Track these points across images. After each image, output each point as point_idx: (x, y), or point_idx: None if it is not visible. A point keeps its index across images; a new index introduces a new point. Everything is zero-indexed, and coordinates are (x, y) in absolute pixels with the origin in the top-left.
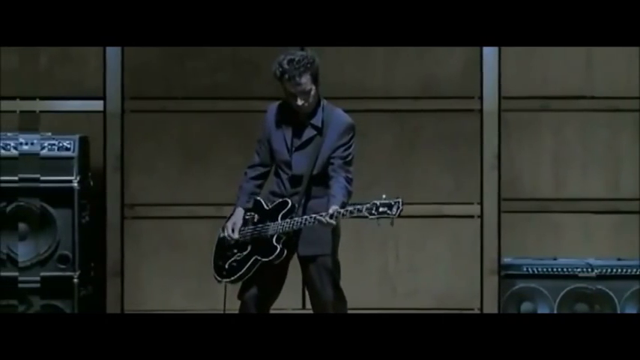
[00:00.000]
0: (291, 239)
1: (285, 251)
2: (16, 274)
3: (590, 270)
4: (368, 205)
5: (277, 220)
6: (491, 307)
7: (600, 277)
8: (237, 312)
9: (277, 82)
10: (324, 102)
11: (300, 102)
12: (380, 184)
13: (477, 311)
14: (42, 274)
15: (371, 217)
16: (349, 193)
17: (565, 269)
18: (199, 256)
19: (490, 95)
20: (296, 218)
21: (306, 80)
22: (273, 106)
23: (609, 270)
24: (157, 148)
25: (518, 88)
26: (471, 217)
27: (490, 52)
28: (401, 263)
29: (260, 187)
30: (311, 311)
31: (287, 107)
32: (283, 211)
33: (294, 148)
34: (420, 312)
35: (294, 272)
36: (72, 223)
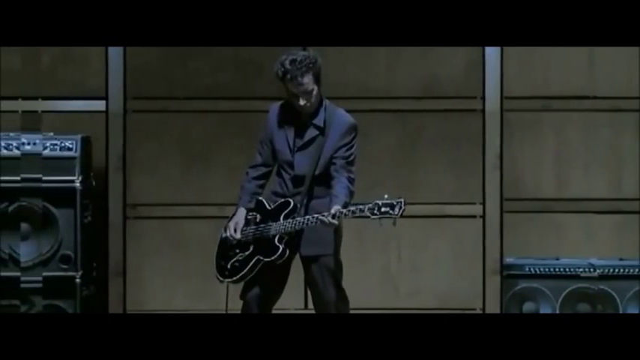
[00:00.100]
0: (294, 239)
1: (288, 251)
2: (18, 274)
3: (592, 270)
4: (370, 205)
5: (279, 220)
6: (493, 307)
7: (602, 277)
8: (239, 312)
9: (279, 82)
10: (326, 102)
11: (302, 102)
12: (382, 184)
13: (479, 311)
14: (44, 274)
15: (373, 217)
16: (351, 193)
17: (567, 269)
18: (202, 256)
19: (492, 95)
20: (298, 218)
21: (308, 80)
22: (275, 106)
23: (611, 270)
24: (159, 148)
25: (521, 88)
26: (473, 217)
27: (492, 52)
28: (403, 263)
29: (262, 187)
30: (313, 311)
31: (289, 107)
32: (285, 211)
33: (296, 149)
34: (422, 312)
35: (297, 272)
36: (74, 223)
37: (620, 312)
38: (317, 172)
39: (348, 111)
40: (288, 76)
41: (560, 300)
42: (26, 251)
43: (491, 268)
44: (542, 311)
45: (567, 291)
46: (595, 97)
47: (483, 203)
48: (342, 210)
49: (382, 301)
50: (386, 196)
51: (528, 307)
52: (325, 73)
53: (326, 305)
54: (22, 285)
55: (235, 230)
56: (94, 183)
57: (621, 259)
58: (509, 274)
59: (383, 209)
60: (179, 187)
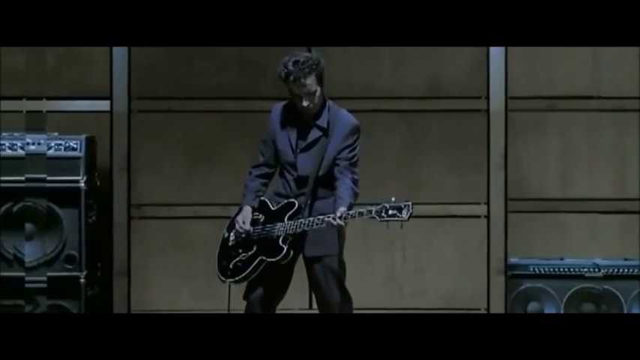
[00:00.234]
0: (297, 240)
1: (292, 252)
2: (22, 274)
3: (596, 270)
4: (377, 208)
5: (284, 221)
6: (497, 307)
7: (607, 277)
8: (242, 312)
9: (282, 83)
10: (329, 103)
11: (305, 103)
12: (386, 185)
13: (483, 311)
14: (49, 274)
15: (380, 219)
16: (356, 195)
17: (572, 269)
18: (206, 256)
19: (497, 95)
20: (303, 219)
21: (311, 82)
22: (277, 107)
23: (616, 270)
24: (164, 148)
25: (525, 88)
26: (478, 217)
27: (497, 52)
28: (407, 263)
29: (265, 185)
30: (317, 311)
31: (292, 108)
32: (290, 212)
33: (299, 150)
34: (427, 312)
35: (302, 272)
36: (78, 223)
37: (625, 312)
38: (320, 173)
39: (353, 111)
40: (291, 77)
41: (564, 300)
42: (31, 251)
43: (496, 268)
44: (546, 311)
45: (572, 291)
46: (599, 97)
47: (488, 203)
48: (349, 212)
49: (387, 301)
50: (393, 199)
51: (533, 307)
52: (330, 73)
53: (329, 306)
54: (27, 285)
55: (244, 222)
56: (98, 183)
57: (626, 259)
58: (513, 274)
59: (391, 212)
60: (183, 187)
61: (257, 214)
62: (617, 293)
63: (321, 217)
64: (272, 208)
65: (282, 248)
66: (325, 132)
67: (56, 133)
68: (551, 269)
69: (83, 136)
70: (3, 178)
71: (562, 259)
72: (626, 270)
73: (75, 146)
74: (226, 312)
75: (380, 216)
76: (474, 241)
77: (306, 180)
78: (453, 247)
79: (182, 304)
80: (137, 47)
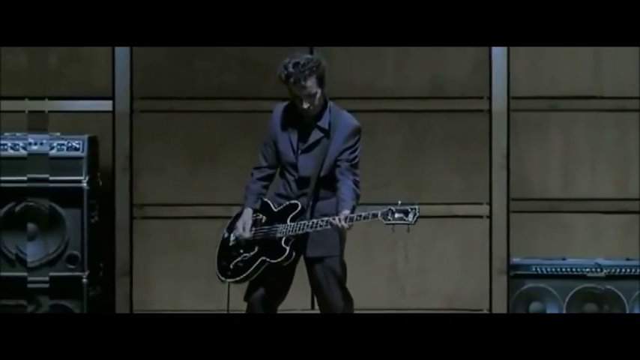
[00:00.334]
0: (299, 241)
1: (294, 253)
2: (25, 274)
3: (599, 270)
4: (383, 211)
5: (286, 222)
6: (500, 308)
7: (609, 277)
8: (243, 313)
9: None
10: (330, 104)
11: (305, 105)
12: (389, 185)
13: (485, 311)
14: (51, 274)
15: (386, 222)
16: (357, 196)
17: (574, 269)
18: (208, 256)
19: (499, 95)
20: (306, 221)
21: (311, 83)
22: (278, 108)
23: (618, 270)
24: (166, 148)
25: (527, 88)
26: (480, 217)
27: (499, 53)
28: (410, 263)
29: (266, 187)
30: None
31: (293, 109)
32: (293, 214)
33: (300, 151)
34: (429, 312)
35: (304, 272)
36: (81, 223)
37: (627, 312)
38: (322, 175)
39: (355, 111)
40: (292, 79)
41: (566, 300)
42: (33, 251)
43: (498, 268)
44: (548, 311)
45: (574, 291)
46: (601, 97)
47: (490, 203)
48: (353, 215)
49: (389, 302)
50: (399, 202)
51: (535, 307)
52: (332, 73)
53: (331, 307)
54: (29, 285)
55: (244, 229)
56: (100, 183)
57: (628, 259)
58: (515, 274)
59: (397, 215)
60: (186, 187)
61: (259, 214)
62: (620, 293)
63: (325, 218)
64: (274, 210)
65: (285, 249)
66: (327, 133)
67: (58, 133)
68: (554, 269)
69: (85, 136)
70: (5, 178)
71: (564, 259)
72: (628, 270)
73: (77, 146)
74: (229, 312)
75: (386, 219)
76: (477, 241)
77: (308, 181)
78: (455, 247)
79: (184, 304)
80: (139, 47)
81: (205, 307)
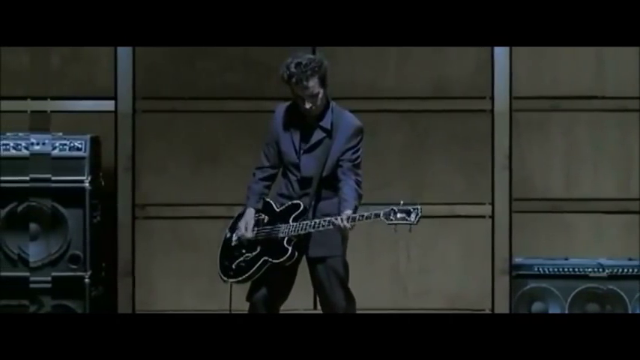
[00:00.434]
0: (301, 241)
1: (296, 253)
2: (27, 274)
3: (601, 270)
4: (386, 211)
5: (288, 222)
6: (502, 308)
7: (611, 277)
8: (246, 313)
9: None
10: (332, 104)
11: (307, 105)
12: (391, 185)
13: (488, 311)
14: (53, 274)
15: (389, 222)
16: (360, 197)
17: (576, 269)
18: (210, 256)
19: (501, 95)
20: (308, 221)
21: (313, 84)
22: (280, 108)
23: (620, 270)
24: (168, 148)
25: (529, 88)
26: (482, 217)
27: (501, 53)
28: (412, 263)
29: (269, 187)
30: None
31: (295, 109)
32: (295, 214)
33: (302, 151)
34: (431, 312)
35: (306, 272)
36: (83, 223)
37: (629, 312)
38: (324, 175)
39: (357, 111)
40: (294, 79)
41: (569, 300)
42: (35, 251)
43: (500, 268)
44: (551, 311)
45: (576, 291)
46: (603, 97)
47: (492, 203)
48: (356, 215)
49: (391, 302)
50: (402, 202)
51: (537, 307)
52: (334, 73)
53: (333, 307)
54: (31, 285)
55: (246, 229)
56: (103, 183)
57: (630, 259)
58: (518, 274)
59: (399, 215)
60: (188, 187)
61: (261, 214)
62: (622, 293)
63: (327, 218)
64: (276, 210)
65: (287, 250)
66: (329, 133)
67: (61, 133)
68: (556, 269)
69: (88, 136)
70: (7, 178)
71: (566, 259)
72: (630, 270)
73: (79, 146)
74: (231, 313)
75: (388, 219)
76: (479, 242)
77: (310, 181)
78: (457, 247)
79: (186, 304)
80: (142, 47)
81: (208, 307)
